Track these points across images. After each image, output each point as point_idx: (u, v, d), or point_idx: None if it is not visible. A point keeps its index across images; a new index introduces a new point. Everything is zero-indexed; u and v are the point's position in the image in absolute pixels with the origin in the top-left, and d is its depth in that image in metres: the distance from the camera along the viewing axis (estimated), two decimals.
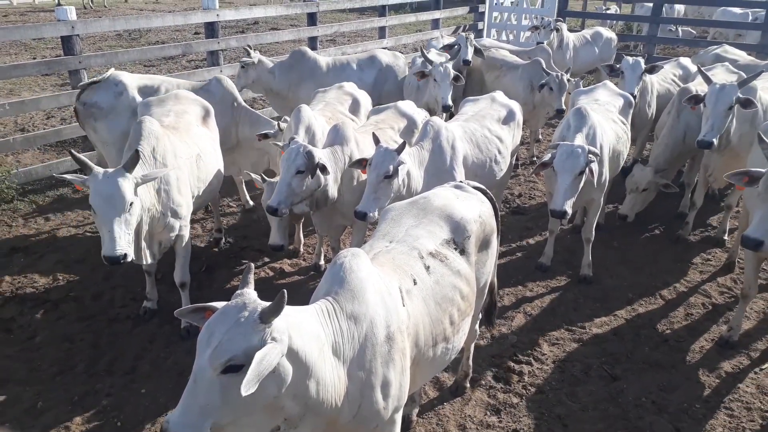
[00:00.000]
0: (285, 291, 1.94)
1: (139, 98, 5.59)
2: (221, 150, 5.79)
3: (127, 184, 3.58)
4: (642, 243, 6.02)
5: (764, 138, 3.77)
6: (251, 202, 6.68)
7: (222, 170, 5.04)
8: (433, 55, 7.95)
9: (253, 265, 2.20)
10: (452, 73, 6.51)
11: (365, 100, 5.88)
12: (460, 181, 3.47)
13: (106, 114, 5.55)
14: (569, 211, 4.52)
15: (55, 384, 3.93)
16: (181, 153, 4.37)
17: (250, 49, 7.31)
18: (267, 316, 1.92)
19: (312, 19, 9.49)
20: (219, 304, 2.05)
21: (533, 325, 4.66)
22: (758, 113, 5.40)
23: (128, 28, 9.01)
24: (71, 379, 3.98)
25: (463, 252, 2.85)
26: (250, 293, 2.02)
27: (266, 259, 5.60)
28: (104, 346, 4.32)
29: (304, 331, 2.05)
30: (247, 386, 1.79)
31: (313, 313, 2.17)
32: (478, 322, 3.68)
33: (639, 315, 4.80)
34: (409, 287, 2.50)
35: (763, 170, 3.63)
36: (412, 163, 4.28)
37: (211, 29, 8.16)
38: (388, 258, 2.59)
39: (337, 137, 4.48)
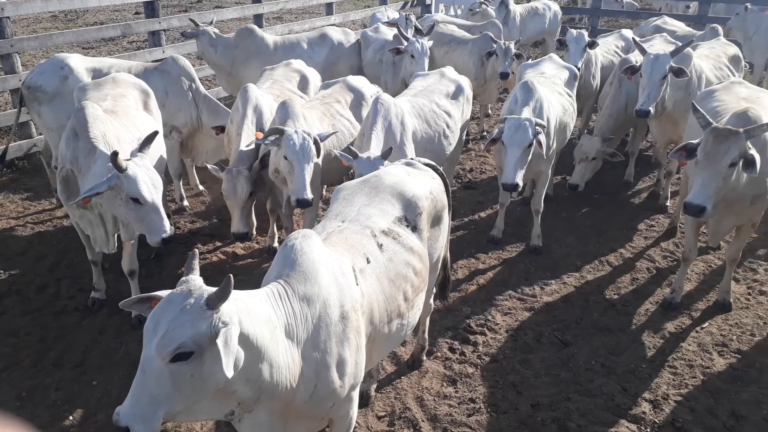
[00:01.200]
0: (231, 276, 1.91)
1: (87, 81, 5.37)
2: (185, 132, 5.70)
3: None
4: (589, 212, 6.19)
5: (698, 107, 3.90)
6: (201, 186, 6.55)
7: (165, 155, 4.89)
8: (384, 28, 7.93)
9: (197, 251, 2.14)
10: (428, 49, 6.60)
11: (314, 77, 5.81)
12: (411, 159, 3.47)
13: (50, 98, 5.29)
14: (520, 183, 4.61)
15: (1, 380, 3.80)
16: (123, 138, 4.21)
17: (195, 22, 7.14)
18: (214, 302, 1.89)
19: None
20: (164, 293, 2.01)
21: (486, 296, 4.75)
22: (692, 80, 5.60)
23: (63, 8, 8.59)
24: (18, 374, 3.85)
25: (415, 229, 2.87)
26: (195, 280, 1.99)
27: (218, 244, 5.51)
28: (52, 339, 4.19)
29: (254, 314, 2.03)
30: (228, 369, 1.83)
31: (264, 297, 2.14)
32: (433, 296, 3.73)
33: (587, 282, 4.96)
34: (363, 266, 2.51)
35: (695, 141, 3.76)
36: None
37: (151, 9, 7.87)
38: (341, 238, 2.58)
39: (285, 114, 4.43)
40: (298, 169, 4.13)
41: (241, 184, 4.45)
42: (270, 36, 7.54)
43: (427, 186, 3.08)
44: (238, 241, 4.69)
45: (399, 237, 2.73)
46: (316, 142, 4.18)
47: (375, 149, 4.20)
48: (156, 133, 3.87)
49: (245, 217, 4.59)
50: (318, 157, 4.25)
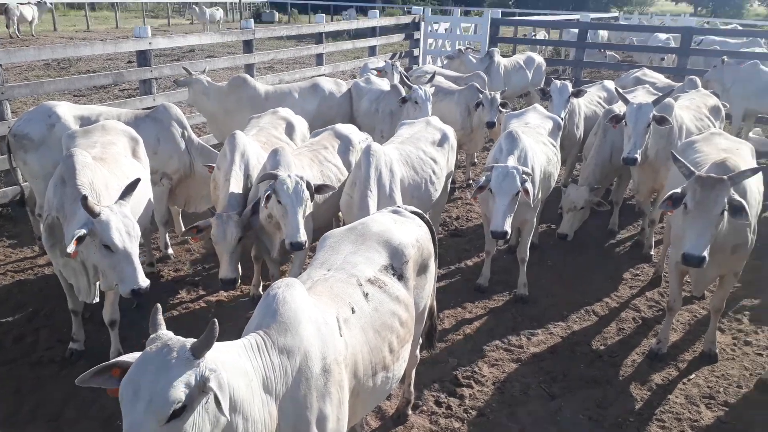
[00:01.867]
0: (215, 320, 1.88)
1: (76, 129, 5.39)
2: (176, 179, 5.72)
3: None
4: (574, 261, 6.21)
5: (678, 157, 3.97)
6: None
7: (152, 201, 4.89)
8: (375, 78, 8.13)
9: (159, 305, 2.06)
10: (431, 96, 6.78)
11: (300, 125, 5.89)
12: (398, 206, 3.49)
13: (37, 146, 5.29)
14: (509, 230, 4.64)
15: None
16: (111, 185, 4.21)
17: (188, 70, 7.28)
18: (199, 350, 1.85)
19: (248, 46, 9.45)
20: (128, 357, 1.95)
21: (473, 346, 4.70)
22: (674, 130, 5.74)
23: (55, 57, 8.71)
24: None
25: (401, 277, 2.85)
26: (166, 333, 1.94)
27: (201, 292, 5.45)
28: (27, 391, 4.06)
29: (229, 366, 1.99)
30: (228, 413, 1.84)
31: (241, 348, 2.10)
32: (419, 346, 3.68)
33: (574, 332, 4.92)
34: (347, 316, 2.48)
35: (679, 190, 3.82)
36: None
37: (143, 57, 7.99)
38: (326, 287, 2.55)
39: (276, 162, 4.48)
40: (291, 212, 4.16)
41: (231, 229, 4.43)
42: (262, 85, 7.68)
43: (413, 234, 3.08)
44: (225, 287, 4.63)
45: (385, 286, 2.72)
46: (309, 186, 4.22)
47: (371, 204, 4.27)
48: (138, 180, 3.84)
49: (234, 262, 4.55)
50: (311, 200, 4.29)
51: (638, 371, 4.42)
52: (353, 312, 2.52)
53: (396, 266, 2.85)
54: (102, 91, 12.88)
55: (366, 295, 2.62)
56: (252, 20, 10.23)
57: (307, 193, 4.20)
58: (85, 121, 5.51)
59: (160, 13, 37.37)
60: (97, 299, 4.16)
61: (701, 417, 3.94)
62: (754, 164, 4.58)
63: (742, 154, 4.56)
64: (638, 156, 5.40)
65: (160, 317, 2.01)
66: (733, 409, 4.02)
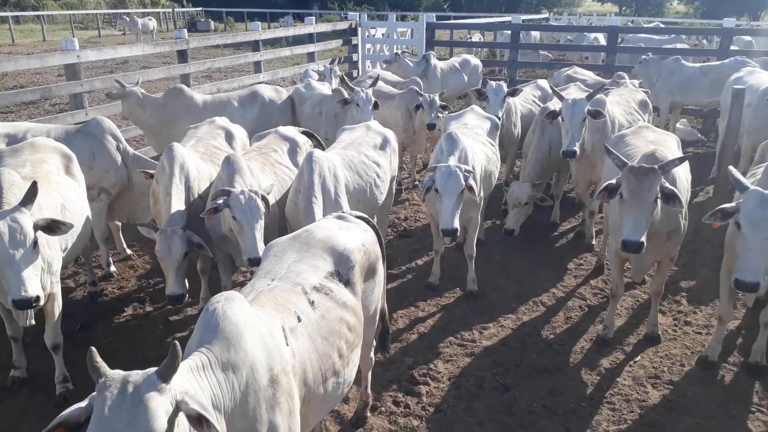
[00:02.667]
0: (177, 343, 1.82)
1: (3, 148, 5.12)
2: (114, 193, 5.52)
3: (27, 220, 3.43)
4: (520, 255, 6.36)
5: (611, 149, 4.14)
6: (128, 251, 6.31)
7: (90, 218, 4.71)
8: (315, 83, 8.14)
9: (94, 349, 1.86)
10: (373, 98, 6.88)
11: (239, 133, 5.81)
12: (343, 212, 3.49)
13: None
14: (458, 227, 4.71)
15: None
16: (45, 205, 4.03)
17: (120, 83, 7.08)
18: (167, 374, 1.80)
19: (183, 56, 9.25)
20: (73, 412, 1.83)
21: (428, 344, 4.74)
22: (607, 124, 5.99)
23: None
24: None
25: (348, 283, 2.84)
26: (117, 373, 1.83)
27: (148, 309, 5.29)
28: None
29: (188, 387, 1.93)
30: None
31: (186, 371, 2.00)
32: (374, 349, 3.68)
33: (524, 323, 5.04)
34: (293, 325, 2.45)
35: (614, 181, 3.98)
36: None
37: (72, 71, 7.69)
38: (270, 297, 2.51)
39: (231, 169, 4.43)
40: (247, 228, 4.10)
41: (176, 244, 4.31)
42: (200, 95, 7.54)
43: (359, 238, 3.08)
44: (173, 303, 4.49)
45: (332, 292, 2.70)
46: (264, 199, 4.17)
47: (317, 210, 4.25)
48: (36, 184, 3.53)
49: (180, 278, 4.43)
50: (268, 212, 4.24)
51: (587, 357, 4.57)
52: (299, 320, 2.48)
53: (342, 272, 2.84)
54: (31, 107, 12.35)
55: (312, 302, 2.59)
56: (186, 30, 10.02)
57: (262, 207, 4.15)
58: (12, 139, 5.26)
59: (89, 24, 36.15)
60: (33, 322, 3.95)
61: (648, 397, 4.10)
62: (679, 153, 4.83)
63: (668, 145, 4.81)
64: (577, 149, 5.61)
65: (99, 360, 1.85)
66: (677, 387, 4.20)
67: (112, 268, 5.92)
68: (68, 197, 4.41)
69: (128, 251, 6.32)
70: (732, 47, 11.63)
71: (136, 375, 1.81)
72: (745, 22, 34.86)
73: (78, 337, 4.82)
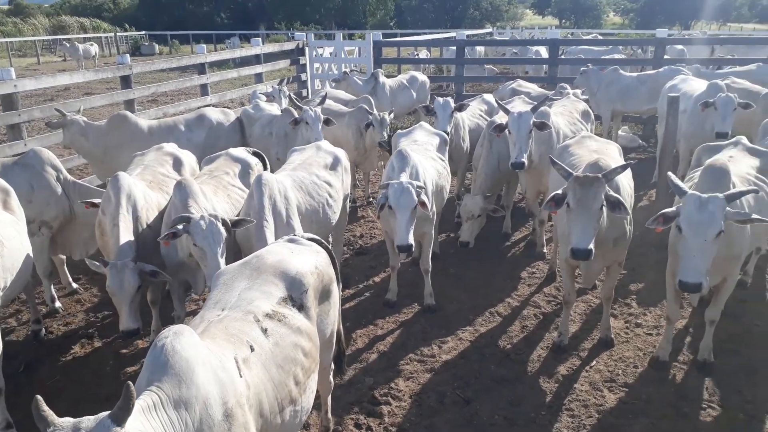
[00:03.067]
0: (130, 383, 1.75)
1: None
2: (56, 226, 5.30)
3: None
4: (475, 266, 6.43)
5: (556, 160, 4.25)
6: (74, 284, 6.08)
7: (31, 254, 4.51)
8: (264, 104, 8.09)
9: (39, 398, 1.80)
10: (322, 116, 6.90)
11: (188, 159, 5.70)
12: (294, 235, 3.45)
13: None
14: (413, 243, 4.72)
15: None
16: None
17: (61, 111, 6.87)
18: (122, 417, 1.73)
19: (126, 82, 9.04)
20: None
21: (387, 362, 4.72)
22: (552, 135, 6.15)
23: None
24: None
25: (301, 308, 2.80)
26: (66, 421, 1.74)
27: (97, 344, 5.09)
28: None
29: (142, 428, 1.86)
30: None
31: (137, 412, 1.92)
32: (332, 373, 3.64)
33: (481, 335, 5.08)
34: (246, 355, 2.38)
35: (560, 191, 4.07)
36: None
37: (9, 101, 7.41)
38: (221, 327, 2.45)
39: (184, 194, 4.35)
40: (210, 254, 4.01)
41: (128, 278, 4.17)
42: (144, 120, 7.38)
43: (311, 261, 3.05)
44: (127, 338, 4.33)
45: (285, 318, 2.65)
46: (224, 223, 4.08)
47: (268, 234, 4.18)
48: None
49: (134, 312, 4.27)
50: (229, 236, 4.15)
51: (544, 365, 4.63)
52: (252, 350, 2.42)
53: (295, 296, 2.79)
54: None
55: (265, 330, 2.53)
56: (128, 55, 9.80)
57: (223, 232, 4.06)
58: None
59: (28, 51, 35.02)
60: None
61: (605, 401, 4.18)
62: (622, 161, 4.99)
63: (611, 153, 4.98)
64: (525, 160, 5.75)
65: (46, 409, 1.78)
66: (632, 389, 4.31)
67: (57, 304, 5.69)
68: (6, 234, 4.21)
69: (74, 285, 6.08)
70: (666, 56, 12.16)
71: (88, 421, 1.73)
72: (677, 32, 36.59)
73: (22, 378, 4.59)
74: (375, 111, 7.58)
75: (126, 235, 4.38)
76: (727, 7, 59.12)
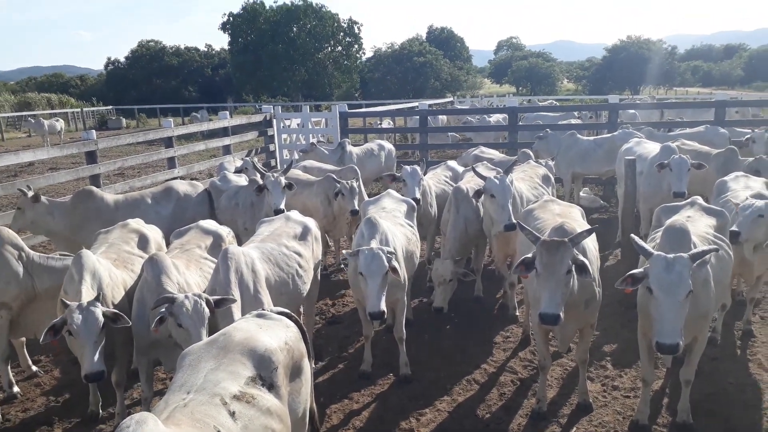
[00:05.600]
0: None
1: None
2: (17, 307, 5.06)
3: None
4: (449, 332, 6.37)
5: (524, 226, 4.32)
6: (34, 367, 5.79)
7: None
8: (231, 175, 8.13)
9: None
10: (283, 181, 6.99)
11: (154, 235, 5.61)
12: (263, 309, 3.37)
13: None
14: (386, 310, 4.66)
15: None
16: None
17: (26, 189, 6.73)
18: None
19: (92, 157, 9.00)
20: None
21: None
22: (517, 199, 6.30)
23: None
24: None
25: (271, 387, 2.69)
26: None
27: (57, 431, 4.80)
28: None
29: None
30: None
31: None
32: None
33: (459, 405, 4.97)
34: None
35: (530, 255, 4.12)
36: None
37: None
38: (186, 412, 2.33)
39: (157, 269, 4.26)
40: (195, 335, 3.84)
41: (92, 316, 3.96)
42: (110, 195, 7.31)
43: (281, 337, 2.97)
44: (92, 381, 4.01)
45: (254, 399, 2.54)
46: (208, 302, 3.95)
47: (235, 310, 4.07)
48: None
49: (99, 353, 3.97)
50: (213, 315, 4.01)
51: None
52: None
53: (264, 375, 2.69)
54: None
55: (233, 414, 2.42)
56: (94, 131, 9.78)
57: (207, 312, 3.94)
58: None
59: None
60: None
61: None
62: (585, 223, 5.11)
63: (574, 216, 5.11)
64: (515, 221, 5.85)
65: None
66: None
67: (15, 389, 5.38)
68: None
69: (34, 368, 5.79)
70: (619, 120, 12.72)
71: None
72: (627, 96, 38.45)
73: None
74: (342, 180, 7.63)
75: None
76: (671, 73, 62.87)
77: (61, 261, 5.28)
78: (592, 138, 11.17)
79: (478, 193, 6.22)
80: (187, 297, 3.92)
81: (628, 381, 5.21)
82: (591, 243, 4.67)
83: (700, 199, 5.31)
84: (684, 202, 5.40)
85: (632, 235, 4.20)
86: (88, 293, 4.29)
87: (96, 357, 3.95)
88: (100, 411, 4.99)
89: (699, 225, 4.72)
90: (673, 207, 5.36)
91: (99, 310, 4.02)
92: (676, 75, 64.84)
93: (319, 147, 11.05)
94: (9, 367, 5.34)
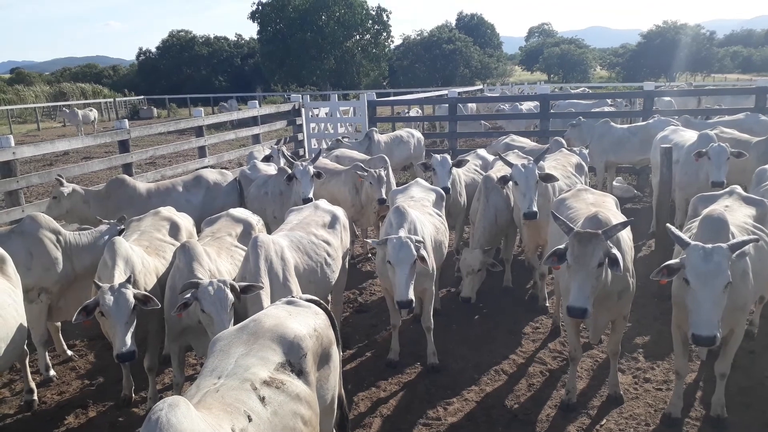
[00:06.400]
0: None
1: None
2: (57, 291, 5.20)
3: None
4: (477, 322, 6.33)
5: (558, 215, 4.24)
6: (69, 352, 5.95)
7: (25, 323, 4.42)
8: (261, 164, 8.20)
9: None
10: (312, 170, 7.03)
11: (185, 223, 5.70)
12: (292, 296, 3.39)
13: None
14: (414, 299, 4.65)
15: None
16: None
17: (62, 178, 6.89)
18: None
19: (124, 146, 9.16)
20: None
21: (391, 427, 4.56)
22: (549, 188, 6.21)
23: None
24: None
25: (300, 373, 2.71)
26: None
27: (91, 414, 4.92)
28: None
29: None
30: None
31: None
32: None
33: (487, 395, 4.94)
34: (244, 425, 2.28)
35: (562, 247, 4.04)
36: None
37: (7, 168, 7.47)
38: (217, 397, 2.36)
39: (188, 257, 4.32)
40: (217, 321, 3.89)
41: (123, 297, 4.04)
42: (143, 183, 7.45)
43: (310, 324, 2.98)
44: (122, 361, 4.08)
45: (283, 385, 2.56)
46: (233, 289, 3.96)
47: (264, 297, 4.10)
48: None
49: (130, 334, 4.05)
50: (239, 302, 4.04)
51: (553, 425, 4.48)
52: (250, 420, 2.33)
53: (294, 362, 2.71)
54: None
55: (263, 399, 2.44)
56: (126, 120, 9.97)
57: (231, 298, 3.95)
58: None
59: (28, 118, 35.61)
60: None
61: None
62: (619, 213, 5.00)
63: (608, 206, 4.99)
64: (536, 209, 5.79)
65: None
66: None
67: (52, 373, 5.54)
68: (1, 302, 4.15)
69: (69, 352, 5.95)
70: (654, 107, 12.41)
71: None
72: (663, 83, 37.51)
73: None
74: (370, 169, 7.61)
75: None
76: (710, 59, 60.98)
77: (93, 235, 5.40)
78: (626, 126, 10.91)
79: (503, 180, 6.16)
80: (211, 283, 3.96)
81: (660, 373, 5.11)
82: (625, 233, 4.57)
83: (739, 189, 5.15)
84: (722, 191, 5.24)
85: (668, 224, 4.09)
86: (121, 279, 4.37)
87: (128, 338, 4.03)
88: (133, 395, 5.11)
89: (737, 215, 4.57)
90: (710, 196, 5.21)
91: (130, 292, 4.10)
92: (714, 61, 62.88)
93: (343, 141, 10.99)
94: (46, 351, 5.49)
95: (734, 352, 4.24)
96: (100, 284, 4.15)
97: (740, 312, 4.05)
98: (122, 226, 5.46)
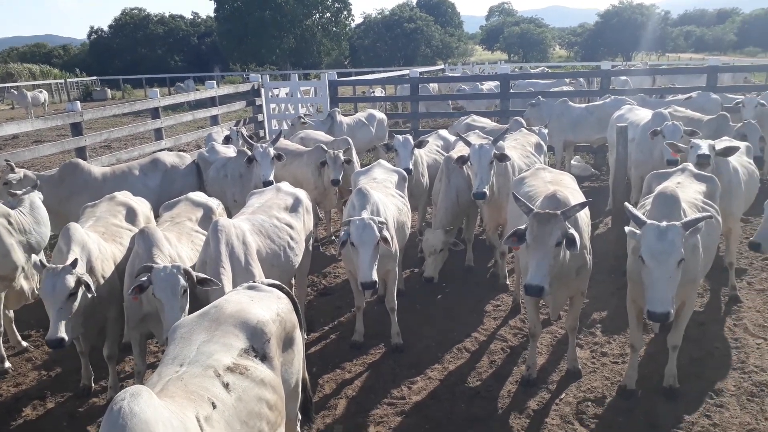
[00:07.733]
0: None
1: None
2: (13, 278, 5.07)
3: None
4: (440, 301, 6.41)
5: (518, 196, 4.29)
6: (24, 343, 5.78)
7: None
8: (220, 146, 8.04)
9: None
10: (272, 152, 6.95)
11: (142, 207, 5.56)
12: (254, 281, 3.36)
13: None
14: (377, 279, 4.65)
15: None
16: None
17: (11, 163, 6.62)
18: None
19: (77, 129, 8.85)
20: None
21: (357, 407, 4.60)
22: (508, 167, 6.29)
23: None
24: None
25: (264, 358, 2.70)
26: None
27: (49, 405, 4.81)
28: None
29: None
30: None
31: None
32: (299, 423, 3.51)
33: (450, 373, 5.02)
34: (208, 413, 2.27)
35: (522, 227, 4.11)
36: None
37: None
38: (180, 385, 2.33)
39: (148, 242, 4.22)
40: (167, 307, 3.84)
41: (61, 281, 3.96)
42: (97, 168, 7.23)
43: (273, 308, 2.96)
44: (52, 348, 4.02)
45: (247, 371, 2.55)
46: (188, 275, 3.89)
47: (226, 282, 4.05)
48: None
49: (63, 321, 3.97)
50: (194, 287, 3.96)
51: (515, 401, 4.59)
52: (214, 407, 2.31)
53: (257, 347, 2.69)
54: None
55: (226, 385, 2.42)
56: (78, 102, 9.59)
57: (183, 284, 3.86)
58: None
59: None
60: None
61: None
62: (578, 190, 5.10)
63: (566, 184, 5.09)
64: (486, 190, 5.87)
65: None
66: (602, 419, 4.29)
67: (7, 364, 5.38)
68: None
69: (24, 343, 5.78)
70: (611, 87, 12.64)
71: None
72: (620, 62, 38.18)
73: None
74: (329, 149, 7.56)
75: None
76: (664, 39, 62.40)
77: (26, 204, 5.40)
78: (583, 105, 11.09)
79: (461, 159, 6.21)
80: (164, 267, 3.89)
81: (616, 347, 5.28)
82: (583, 212, 4.67)
83: (690, 166, 5.31)
84: (675, 168, 5.40)
85: (626, 203, 4.19)
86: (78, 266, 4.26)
87: (61, 325, 3.95)
88: (93, 384, 5.01)
89: (689, 191, 4.72)
90: (663, 173, 5.36)
91: (72, 277, 3.99)
92: (668, 40, 64.42)
93: (305, 120, 10.84)
94: (0, 342, 5.33)
95: (685, 324, 4.41)
96: (45, 264, 4.03)
97: (691, 285, 4.20)
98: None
